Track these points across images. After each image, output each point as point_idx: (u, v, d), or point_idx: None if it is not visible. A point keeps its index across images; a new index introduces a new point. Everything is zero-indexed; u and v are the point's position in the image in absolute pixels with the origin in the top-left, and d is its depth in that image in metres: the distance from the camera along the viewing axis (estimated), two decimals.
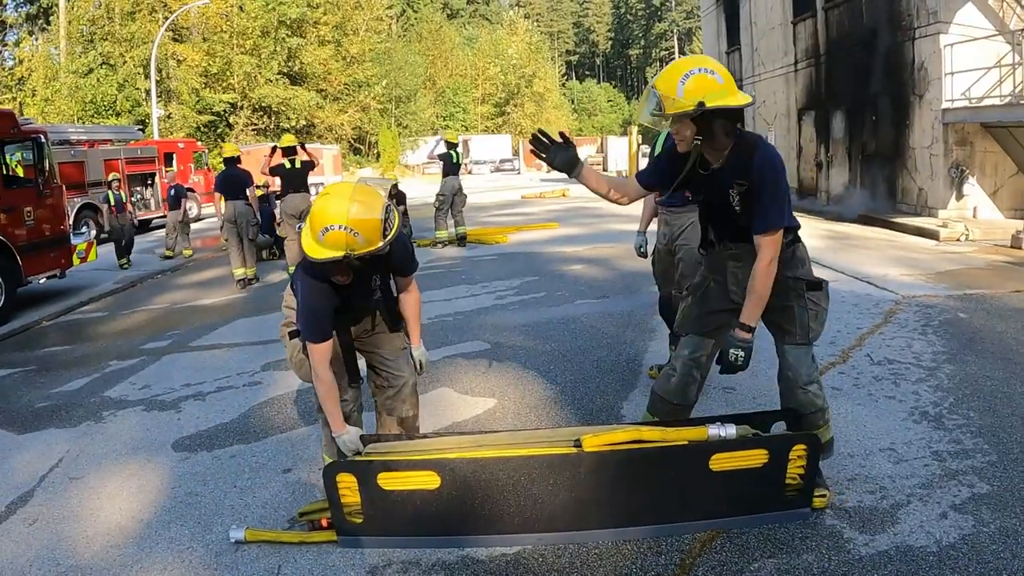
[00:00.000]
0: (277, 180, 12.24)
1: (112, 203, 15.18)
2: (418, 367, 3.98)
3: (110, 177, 15.23)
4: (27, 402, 6.39)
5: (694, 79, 3.19)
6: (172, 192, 16.55)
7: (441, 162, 14.46)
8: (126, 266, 14.61)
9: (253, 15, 44.51)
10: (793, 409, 3.57)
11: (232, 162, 12.01)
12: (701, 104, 3.16)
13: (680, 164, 3.47)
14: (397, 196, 14.00)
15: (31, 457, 5.08)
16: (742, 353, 3.40)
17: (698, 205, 3.74)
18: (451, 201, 14.20)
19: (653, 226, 5.66)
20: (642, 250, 5.80)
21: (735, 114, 3.32)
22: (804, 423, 3.55)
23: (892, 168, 16.10)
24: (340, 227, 3.18)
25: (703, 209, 3.69)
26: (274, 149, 12.19)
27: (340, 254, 3.22)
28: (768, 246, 3.34)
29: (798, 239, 3.59)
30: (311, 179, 12.65)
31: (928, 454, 4.17)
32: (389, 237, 3.29)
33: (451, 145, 14.40)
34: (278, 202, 13.52)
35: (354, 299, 3.64)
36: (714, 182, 3.43)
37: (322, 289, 3.45)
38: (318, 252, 3.26)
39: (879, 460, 4.12)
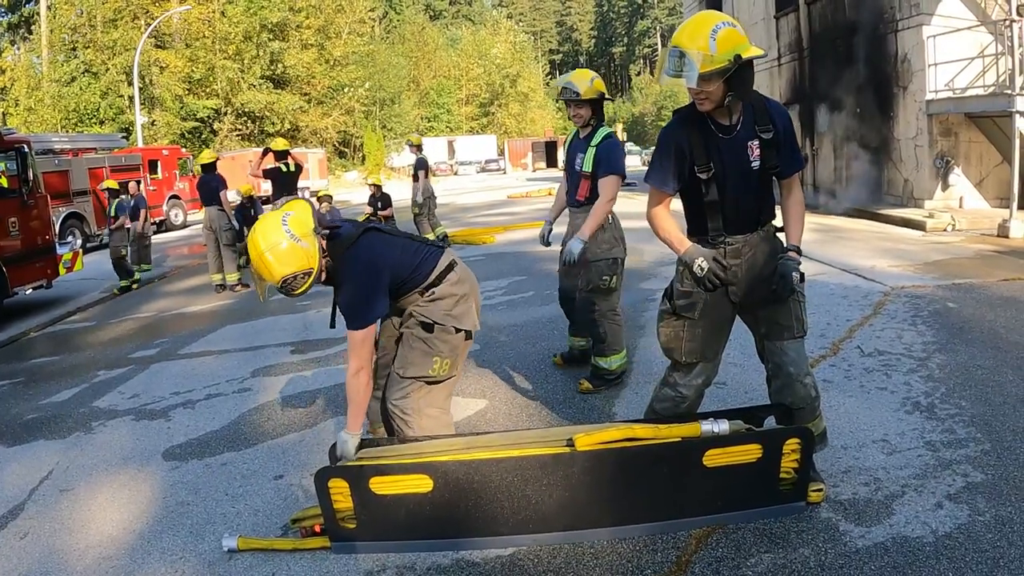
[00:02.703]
0: (262, 183, 12.21)
1: (113, 213, 13.59)
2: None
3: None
4: (16, 414, 6.35)
5: (724, 32, 3.07)
6: (132, 203, 16.15)
7: (422, 169, 13.90)
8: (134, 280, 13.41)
9: (235, 20, 44.35)
10: (785, 404, 3.55)
11: (208, 169, 11.98)
12: (738, 57, 3.06)
13: (687, 145, 3.34)
14: (382, 199, 13.92)
15: (21, 470, 5.04)
16: (798, 275, 3.35)
17: (698, 192, 3.43)
18: (428, 205, 14.15)
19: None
20: (545, 240, 5.84)
21: (753, 66, 3.27)
22: (801, 416, 3.53)
23: (878, 160, 16.16)
24: (257, 257, 3.47)
25: (709, 192, 3.39)
26: (266, 151, 12.14)
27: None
28: (798, 183, 3.57)
29: (780, 228, 3.59)
30: (300, 183, 12.66)
31: (921, 444, 4.17)
32: (293, 292, 3.52)
33: (420, 148, 14.32)
34: (267, 207, 13.45)
35: None
36: (737, 140, 3.33)
37: None
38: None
39: (872, 452, 4.11)
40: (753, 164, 3.35)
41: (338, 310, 3.64)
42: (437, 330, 3.64)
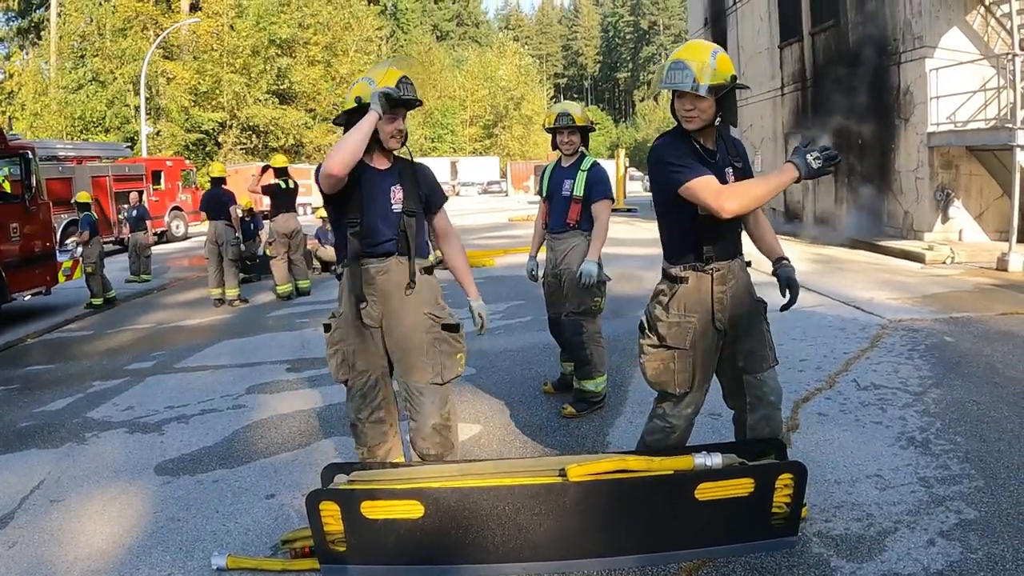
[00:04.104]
0: (264, 199, 12.26)
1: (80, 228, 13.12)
2: (476, 320, 3.81)
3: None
4: (9, 421, 6.34)
5: (722, 56, 3.23)
6: (134, 213, 16.23)
7: None
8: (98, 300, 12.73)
9: (244, 34, 44.57)
10: (779, 440, 3.55)
11: (217, 183, 12.01)
12: (734, 78, 3.20)
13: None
14: None
15: (12, 478, 5.01)
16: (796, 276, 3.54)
17: (693, 213, 3.38)
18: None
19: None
20: (533, 274, 6.05)
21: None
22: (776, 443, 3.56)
23: (878, 191, 16.22)
24: (361, 79, 3.62)
25: (697, 215, 3.37)
26: (265, 168, 12.19)
27: (353, 104, 3.54)
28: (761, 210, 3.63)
29: (748, 262, 3.64)
30: (300, 199, 12.73)
31: (915, 480, 4.16)
32: (402, 96, 3.54)
33: None
34: (266, 222, 13.48)
35: (372, 196, 3.63)
36: (718, 167, 3.39)
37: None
38: (345, 107, 3.64)
39: (866, 487, 4.11)
40: None
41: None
42: (460, 328, 3.75)
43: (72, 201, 15.02)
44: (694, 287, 3.44)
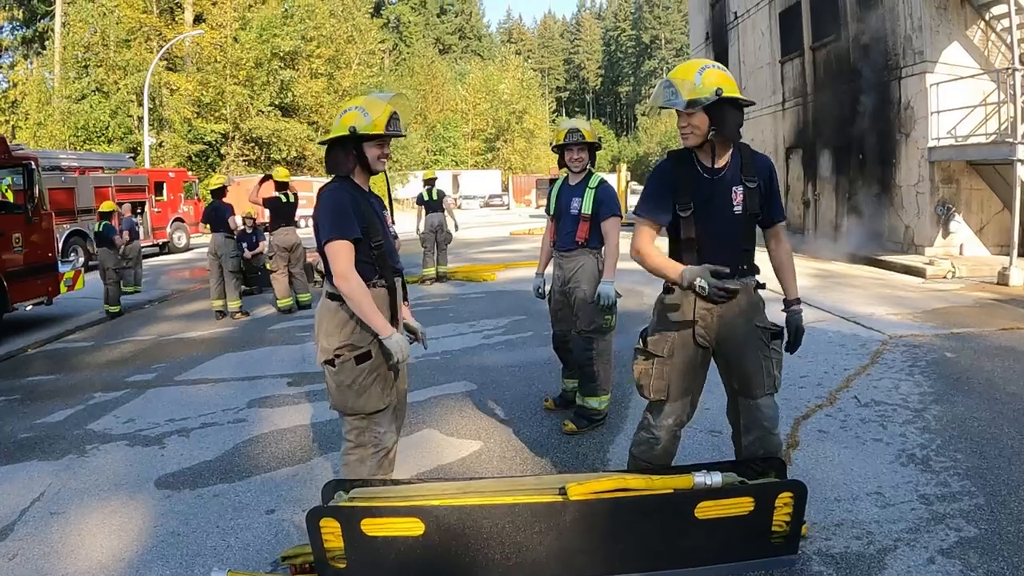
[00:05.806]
0: (265, 211, 12.28)
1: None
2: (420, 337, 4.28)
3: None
4: (10, 432, 6.34)
5: (711, 71, 3.32)
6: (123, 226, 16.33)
7: (420, 204, 14.49)
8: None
9: (247, 46, 44.68)
10: (779, 458, 3.56)
11: (217, 194, 12.01)
12: (719, 91, 3.26)
13: (676, 180, 3.48)
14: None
15: (12, 490, 5.02)
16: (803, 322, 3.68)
17: (679, 230, 3.52)
18: (434, 239, 14.25)
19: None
20: (539, 291, 6.01)
21: (741, 111, 3.43)
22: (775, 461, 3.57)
23: (879, 206, 16.25)
24: (353, 107, 3.63)
25: (687, 230, 3.49)
26: (265, 178, 12.18)
27: (345, 131, 3.54)
28: (784, 234, 3.75)
29: (762, 284, 3.66)
30: (300, 211, 12.76)
31: (915, 497, 4.17)
32: (392, 131, 3.60)
33: (425, 182, 14.47)
34: (267, 235, 13.49)
35: (380, 218, 3.72)
36: (721, 183, 3.45)
37: (342, 188, 3.64)
38: (334, 132, 3.62)
39: (866, 504, 4.11)
40: (736, 209, 3.46)
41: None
42: None
43: (97, 211, 15.10)
44: (677, 301, 3.56)
